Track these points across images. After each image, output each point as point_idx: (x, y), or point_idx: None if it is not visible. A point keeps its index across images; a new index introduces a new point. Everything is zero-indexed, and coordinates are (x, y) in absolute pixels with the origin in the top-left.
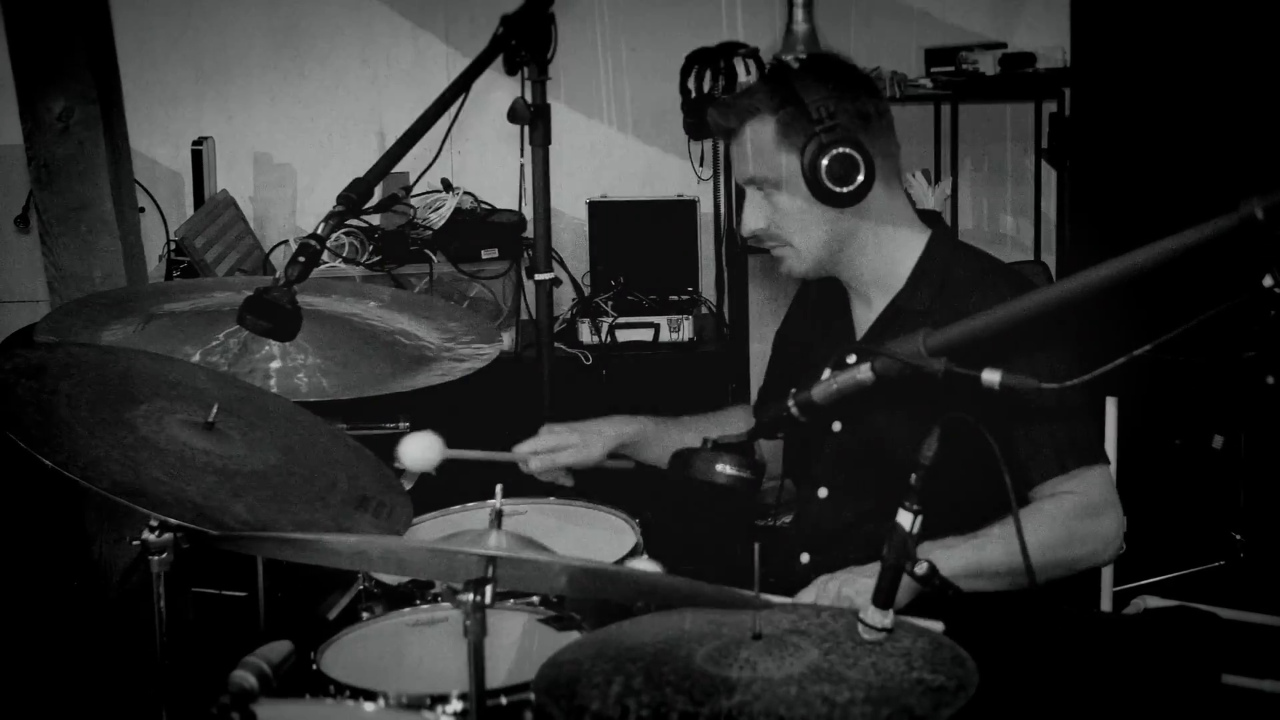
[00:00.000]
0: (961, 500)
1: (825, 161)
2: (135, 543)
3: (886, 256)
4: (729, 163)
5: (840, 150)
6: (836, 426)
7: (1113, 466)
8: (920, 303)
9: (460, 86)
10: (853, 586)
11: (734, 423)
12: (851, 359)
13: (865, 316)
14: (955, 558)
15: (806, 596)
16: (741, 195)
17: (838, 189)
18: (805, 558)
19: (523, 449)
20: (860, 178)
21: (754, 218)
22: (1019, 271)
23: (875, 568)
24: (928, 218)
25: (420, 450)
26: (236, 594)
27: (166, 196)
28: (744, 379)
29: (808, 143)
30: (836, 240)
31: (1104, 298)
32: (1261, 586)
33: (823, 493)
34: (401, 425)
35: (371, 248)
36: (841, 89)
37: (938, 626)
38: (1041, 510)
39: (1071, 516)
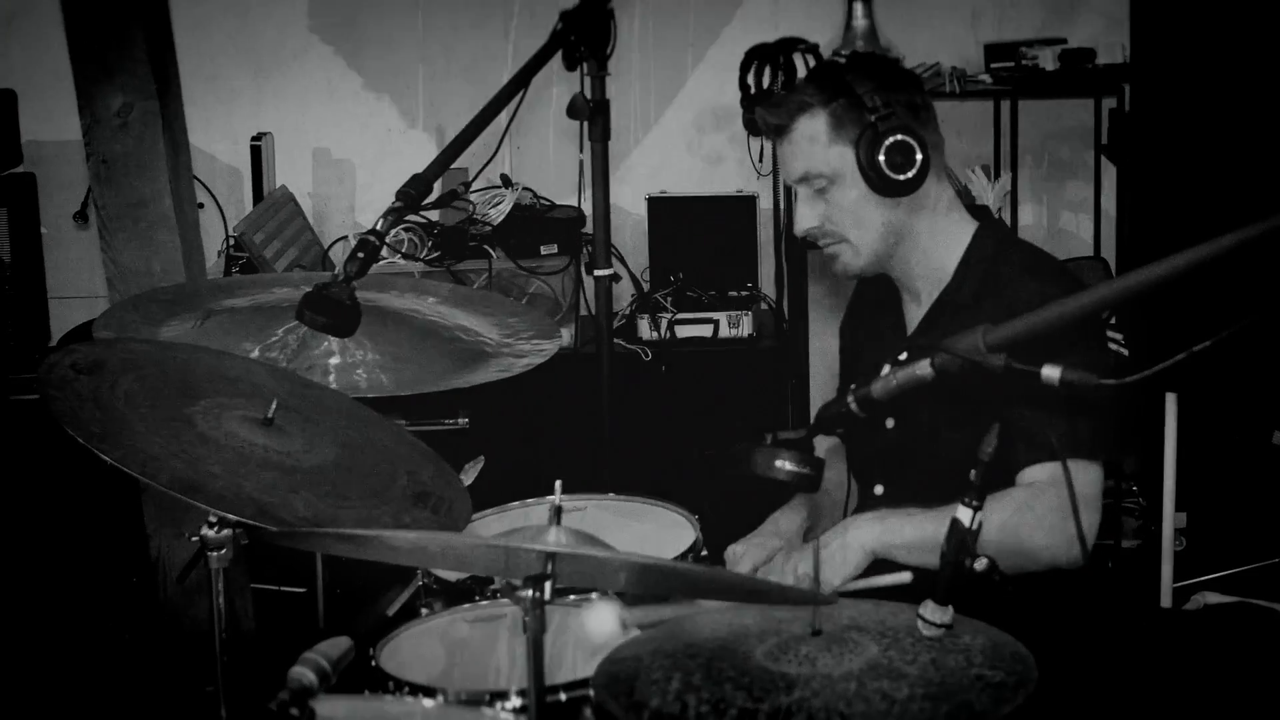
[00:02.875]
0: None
1: (882, 150)
2: (194, 539)
3: (937, 249)
4: None
5: (897, 138)
6: (890, 423)
7: (1172, 461)
8: (965, 296)
9: (519, 82)
10: (806, 564)
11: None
12: (904, 355)
13: (915, 312)
14: (909, 530)
15: (771, 575)
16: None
17: (895, 176)
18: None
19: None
20: (917, 165)
21: (807, 216)
22: (1065, 266)
23: (826, 538)
24: (976, 212)
25: (602, 622)
26: (295, 590)
27: (225, 192)
28: (803, 375)
29: (863, 133)
30: (893, 233)
31: (1164, 293)
32: None
33: (879, 489)
34: (461, 421)
35: (430, 243)
36: (890, 82)
37: (905, 577)
38: (1011, 496)
39: (1044, 507)
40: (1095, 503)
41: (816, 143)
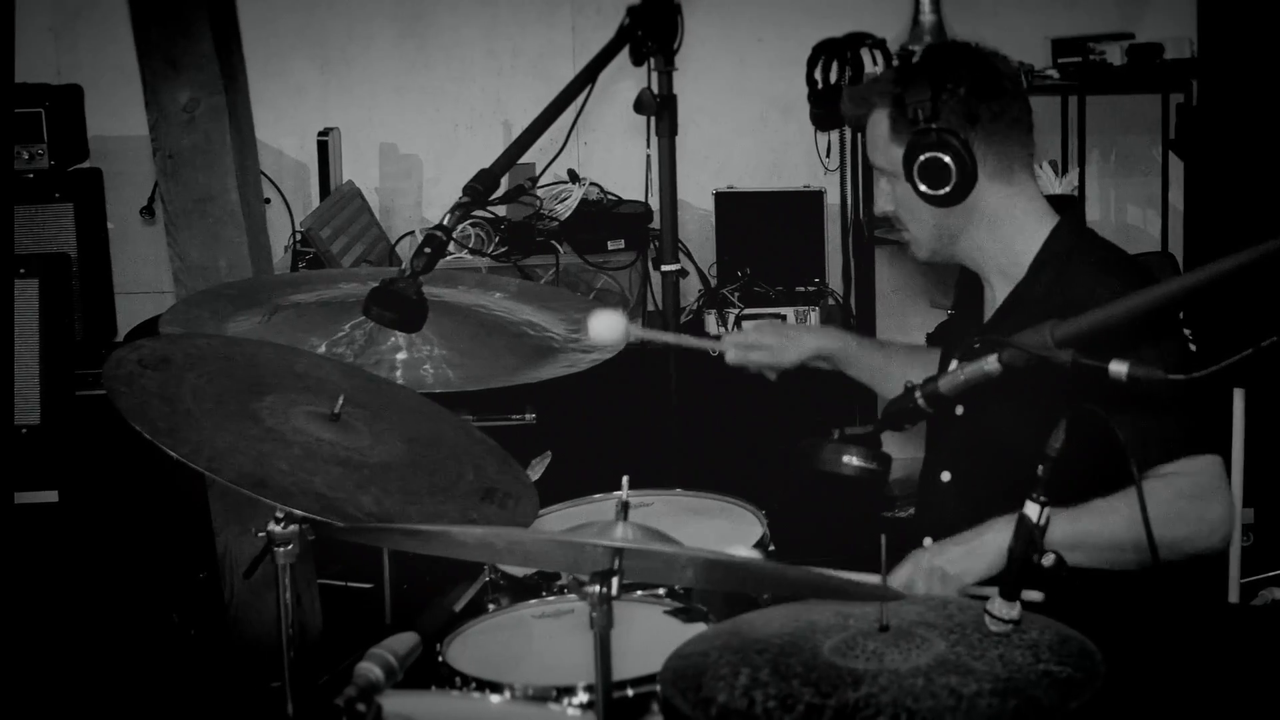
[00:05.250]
0: (1073, 487)
1: (916, 166)
2: (260, 535)
3: (1006, 247)
4: (855, 154)
5: (929, 155)
6: (959, 410)
7: (1240, 457)
8: (1038, 291)
9: (587, 77)
10: (942, 557)
11: (929, 362)
12: (976, 346)
13: (992, 304)
14: (1054, 529)
15: (900, 574)
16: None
17: (931, 191)
18: (928, 543)
19: (726, 339)
20: (952, 183)
21: (882, 200)
22: (1140, 261)
23: (963, 536)
24: (1060, 203)
25: (606, 326)
26: (362, 586)
27: (292, 187)
28: None
29: (908, 142)
30: (946, 234)
31: (1231, 288)
32: None
33: (945, 476)
34: (528, 417)
35: (497, 239)
36: (952, 86)
37: (1036, 596)
38: (1145, 487)
39: (1177, 496)
40: (1225, 487)
41: (880, 139)
